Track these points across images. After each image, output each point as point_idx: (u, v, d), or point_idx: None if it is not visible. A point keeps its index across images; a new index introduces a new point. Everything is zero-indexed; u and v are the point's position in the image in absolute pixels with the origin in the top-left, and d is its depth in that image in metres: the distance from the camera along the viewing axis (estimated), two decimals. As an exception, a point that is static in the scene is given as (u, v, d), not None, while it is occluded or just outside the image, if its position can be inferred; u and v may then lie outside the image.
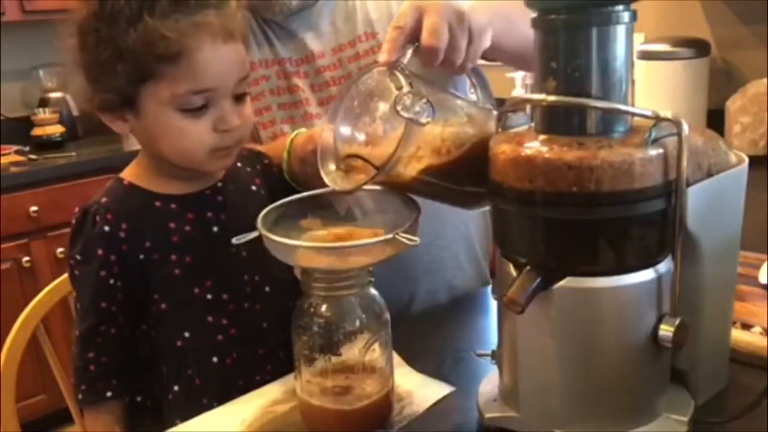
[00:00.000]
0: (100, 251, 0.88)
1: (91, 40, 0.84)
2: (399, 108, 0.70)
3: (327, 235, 0.83)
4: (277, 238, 0.76)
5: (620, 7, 0.66)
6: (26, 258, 2.47)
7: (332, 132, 0.81)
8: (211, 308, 0.92)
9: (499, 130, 0.74)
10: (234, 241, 0.80)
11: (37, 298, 1.21)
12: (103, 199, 0.90)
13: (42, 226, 2.50)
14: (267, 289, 0.95)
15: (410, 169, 0.77)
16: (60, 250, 2.51)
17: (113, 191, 0.92)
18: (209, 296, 0.91)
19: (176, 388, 0.91)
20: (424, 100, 0.71)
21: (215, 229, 0.93)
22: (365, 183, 0.76)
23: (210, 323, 0.91)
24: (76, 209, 0.91)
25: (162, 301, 0.91)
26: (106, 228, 0.89)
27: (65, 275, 1.24)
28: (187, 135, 0.87)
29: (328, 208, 0.87)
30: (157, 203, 0.91)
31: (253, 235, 0.79)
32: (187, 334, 0.91)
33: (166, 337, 0.92)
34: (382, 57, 0.77)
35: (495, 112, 0.84)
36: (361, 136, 0.80)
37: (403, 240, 0.74)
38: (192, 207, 0.92)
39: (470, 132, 0.78)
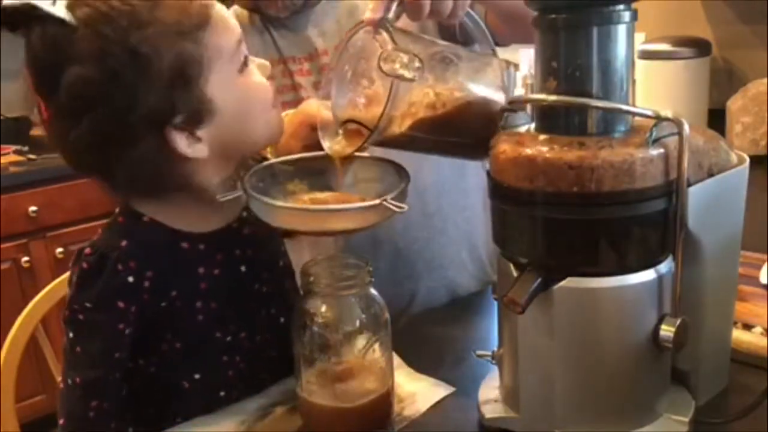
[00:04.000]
0: (121, 304, 0.79)
1: (125, 83, 0.71)
2: (383, 66, 0.70)
3: (310, 199, 0.83)
4: (262, 198, 0.76)
5: (621, 7, 0.65)
6: (25, 258, 2.47)
7: (329, 104, 0.80)
8: (228, 348, 0.86)
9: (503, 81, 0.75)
10: (218, 197, 0.78)
11: (36, 299, 1.20)
12: (123, 242, 0.80)
13: (41, 226, 2.50)
14: (282, 320, 0.89)
15: (404, 127, 0.76)
16: (59, 250, 2.51)
17: (132, 232, 0.81)
18: (229, 338, 0.86)
19: (179, 420, 0.86)
20: (409, 56, 0.70)
21: (243, 268, 0.86)
22: (360, 147, 0.76)
23: (224, 362, 0.87)
24: (87, 249, 0.80)
25: (176, 341, 0.84)
26: (131, 279, 0.79)
27: (65, 275, 1.23)
28: (257, 90, 0.81)
29: (317, 175, 0.87)
30: (184, 244, 0.83)
31: (238, 193, 0.78)
32: (197, 376, 0.85)
33: (171, 378, 0.86)
34: (367, 15, 0.75)
35: (496, 58, 0.83)
36: (356, 100, 0.80)
37: (391, 206, 0.73)
38: (220, 246, 0.85)
39: (466, 83, 0.78)
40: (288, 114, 0.99)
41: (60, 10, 0.71)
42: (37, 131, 2.83)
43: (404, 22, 0.79)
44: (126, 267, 0.79)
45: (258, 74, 0.82)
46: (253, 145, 0.84)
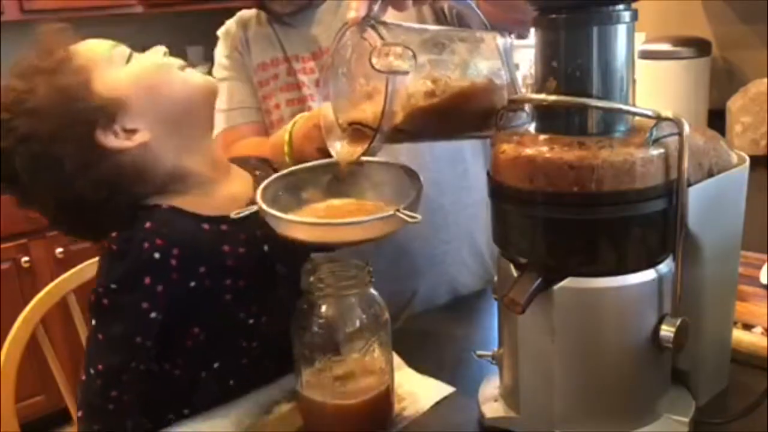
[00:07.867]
0: (147, 280, 0.79)
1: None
2: (375, 64, 0.69)
3: (326, 208, 0.83)
4: (273, 212, 0.76)
5: (621, 7, 0.65)
6: (25, 258, 2.47)
7: (330, 106, 0.80)
8: (247, 332, 0.87)
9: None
10: (232, 215, 0.79)
11: (36, 298, 1.20)
12: (147, 224, 0.81)
13: (41, 226, 2.48)
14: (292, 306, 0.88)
15: (406, 120, 0.75)
16: (59, 250, 2.51)
17: (156, 217, 0.83)
18: (251, 321, 0.87)
19: (186, 411, 0.88)
20: (400, 49, 0.69)
21: (266, 248, 0.87)
22: (367, 150, 0.75)
23: (242, 347, 0.88)
24: (113, 234, 0.82)
25: (202, 331, 0.85)
26: (157, 255, 0.79)
27: (64, 275, 1.24)
28: (144, 70, 0.87)
29: (333, 181, 0.87)
30: (205, 226, 0.84)
31: (253, 209, 0.78)
32: (216, 365, 0.87)
33: (190, 374, 0.87)
34: (351, 14, 0.75)
35: (488, 32, 0.83)
36: (355, 100, 0.79)
37: (404, 217, 0.73)
38: (242, 227, 0.84)
39: (461, 64, 0.77)
40: (303, 116, 1.00)
41: None
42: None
43: (395, 12, 0.78)
44: (152, 244, 0.80)
45: (145, 59, 0.88)
46: (184, 104, 0.87)
